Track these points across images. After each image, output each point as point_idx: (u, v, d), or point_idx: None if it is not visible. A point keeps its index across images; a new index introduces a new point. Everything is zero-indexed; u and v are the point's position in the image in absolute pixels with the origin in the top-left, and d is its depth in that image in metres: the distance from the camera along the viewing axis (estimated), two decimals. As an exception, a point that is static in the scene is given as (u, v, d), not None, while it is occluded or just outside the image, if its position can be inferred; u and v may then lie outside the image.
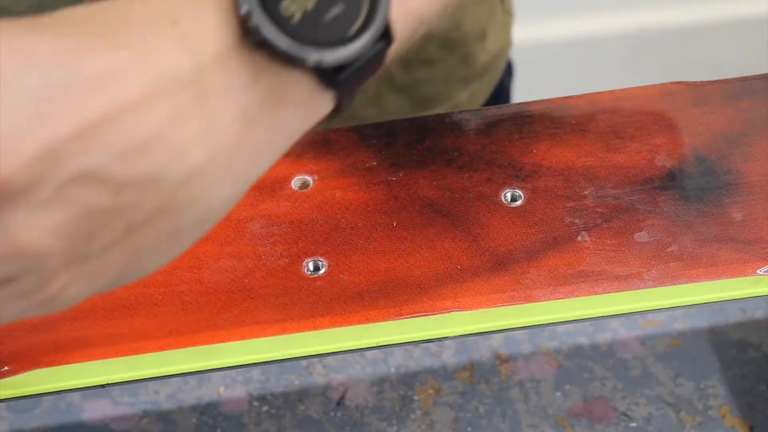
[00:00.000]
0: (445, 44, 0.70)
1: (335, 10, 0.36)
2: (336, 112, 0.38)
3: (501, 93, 0.79)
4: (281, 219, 0.52)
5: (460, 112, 0.56)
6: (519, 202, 0.53)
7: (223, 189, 0.36)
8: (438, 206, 0.52)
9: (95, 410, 0.64)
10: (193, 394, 0.64)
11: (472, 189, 0.53)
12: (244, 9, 0.34)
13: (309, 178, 0.54)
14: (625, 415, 0.63)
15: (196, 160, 0.34)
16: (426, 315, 0.49)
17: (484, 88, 0.76)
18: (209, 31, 0.34)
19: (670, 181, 0.53)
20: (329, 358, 0.65)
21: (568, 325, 0.66)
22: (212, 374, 0.65)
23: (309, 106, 0.37)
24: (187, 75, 0.34)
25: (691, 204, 0.52)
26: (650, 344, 0.66)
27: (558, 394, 0.64)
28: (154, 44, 0.33)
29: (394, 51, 0.38)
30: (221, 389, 0.64)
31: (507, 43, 0.76)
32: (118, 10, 0.34)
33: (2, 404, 0.64)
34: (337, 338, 0.50)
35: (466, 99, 0.74)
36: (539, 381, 0.64)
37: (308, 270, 0.51)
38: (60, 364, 0.48)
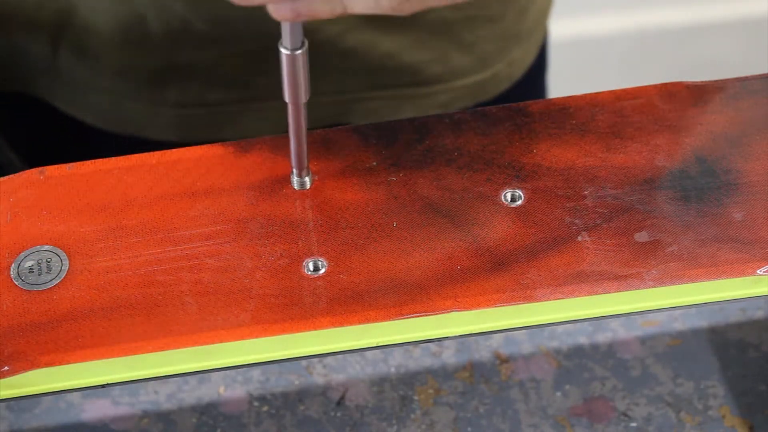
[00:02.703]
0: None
1: None
2: None
3: (542, 57, 0.82)
4: (281, 219, 0.52)
5: (461, 112, 0.56)
6: (519, 202, 0.53)
7: None
8: (438, 206, 0.53)
9: (95, 410, 0.64)
10: (193, 394, 0.64)
11: (472, 189, 0.53)
12: None
13: (309, 178, 0.54)
14: (625, 415, 0.63)
15: None
16: (426, 315, 0.49)
17: (533, 48, 0.79)
18: None
19: (670, 181, 0.53)
20: (329, 358, 0.65)
21: (568, 325, 0.66)
22: (212, 374, 0.65)
23: None
24: None
25: (691, 204, 0.52)
26: (650, 344, 0.66)
27: (558, 394, 0.64)
28: None
29: None
30: (221, 389, 0.65)
31: (551, 0, 0.79)
32: None
33: (2, 404, 0.64)
34: (337, 338, 0.50)
35: (519, 56, 0.77)
36: (539, 381, 0.64)
37: (308, 270, 0.51)
38: (60, 364, 0.48)
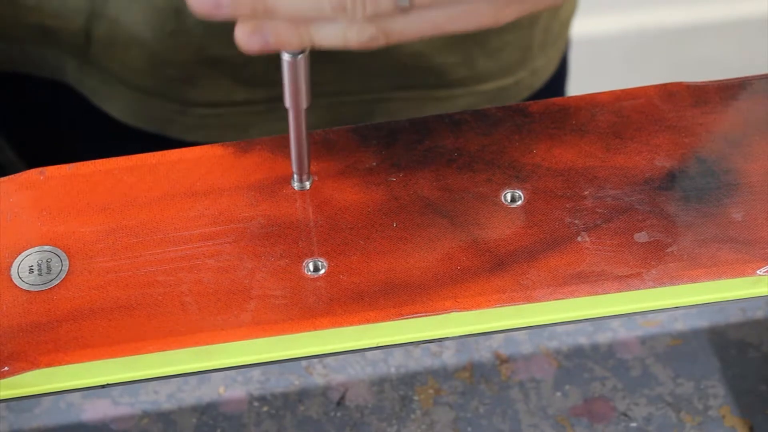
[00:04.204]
0: None
1: None
2: None
3: (563, 68, 0.83)
4: (281, 219, 0.52)
5: (461, 112, 0.56)
6: (519, 203, 0.53)
7: None
8: (438, 207, 0.53)
9: (95, 410, 0.64)
10: (193, 394, 0.64)
11: (472, 189, 0.53)
12: None
13: (309, 181, 0.54)
14: (625, 415, 0.63)
15: None
16: (426, 315, 0.49)
17: (555, 57, 0.79)
18: None
19: (670, 181, 0.53)
20: (329, 359, 0.65)
21: (568, 325, 0.66)
22: (212, 374, 0.65)
23: None
24: None
25: (691, 204, 0.52)
26: (650, 344, 0.66)
27: (558, 394, 0.64)
28: None
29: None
30: (221, 389, 0.65)
31: (574, 10, 0.79)
32: None
33: (2, 404, 0.64)
34: (337, 338, 0.50)
35: (542, 65, 0.77)
36: (539, 381, 0.65)
37: (308, 270, 0.51)
38: (60, 364, 0.48)
